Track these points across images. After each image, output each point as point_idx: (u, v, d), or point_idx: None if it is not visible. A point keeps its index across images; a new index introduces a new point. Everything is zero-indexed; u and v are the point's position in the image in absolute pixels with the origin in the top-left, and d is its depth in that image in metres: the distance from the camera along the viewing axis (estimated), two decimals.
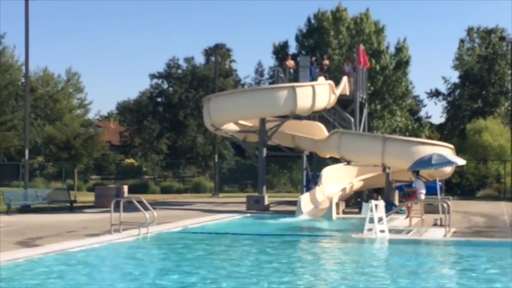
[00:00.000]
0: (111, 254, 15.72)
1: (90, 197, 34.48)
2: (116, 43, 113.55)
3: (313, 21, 55.30)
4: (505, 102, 58.34)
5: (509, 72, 48.81)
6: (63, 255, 14.78)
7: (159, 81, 63.79)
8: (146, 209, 18.64)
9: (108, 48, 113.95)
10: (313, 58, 35.57)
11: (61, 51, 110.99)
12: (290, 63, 34.98)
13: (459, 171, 40.15)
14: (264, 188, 30.16)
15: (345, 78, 33.05)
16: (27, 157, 31.65)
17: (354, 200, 30.79)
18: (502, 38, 54.36)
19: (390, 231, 18.86)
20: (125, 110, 65.05)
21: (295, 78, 34.25)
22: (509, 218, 25.39)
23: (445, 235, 18.65)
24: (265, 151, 30.12)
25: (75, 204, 29.75)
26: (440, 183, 26.24)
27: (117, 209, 18.67)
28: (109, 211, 18.70)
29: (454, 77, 63.22)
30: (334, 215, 25.01)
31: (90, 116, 73.99)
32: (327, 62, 35.78)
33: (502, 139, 48.07)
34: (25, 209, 28.55)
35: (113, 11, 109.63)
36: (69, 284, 11.59)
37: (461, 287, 11.60)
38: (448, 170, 27.91)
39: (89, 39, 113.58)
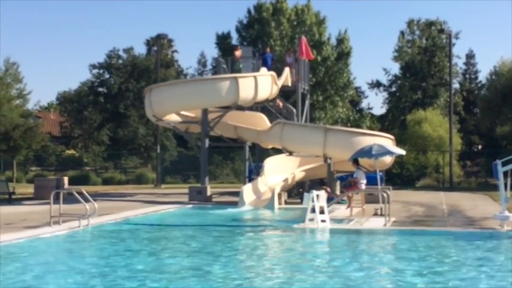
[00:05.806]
0: (49, 246, 15.45)
1: (29, 189, 33.93)
2: (56, 33, 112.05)
3: (253, 12, 55.20)
4: (444, 93, 59.31)
5: (448, 64, 49.68)
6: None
7: (100, 71, 62.90)
8: (87, 200, 18.41)
9: (48, 38, 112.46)
10: (268, 49, 35.57)
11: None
12: (239, 53, 34.67)
13: (399, 161, 40.73)
14: (207, 178, 30.09)
15: (287, 69, 33.11)
16: None
17: (296, 191, 30.95)
18: (441, 31, 55.19)
19: (331, 221, 19.04)
20: (65, 101, 64.11)
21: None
22: (448, 207, 25.86)
23: (385, 224, 18.91)
24: (207, 142, 30.06)
25: (14, 196, 29.29)
26: (381, 173, 26.61)
27: (57, 200, 18.45)
28: (49, 203, 18.42)
29: (395, 68, 64.22)
30: (276, 205, 25.18)
31: (30, 106, 72.59)
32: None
33: (441, 130, 49.01)
34: None
35: (53, 1, 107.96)
36: None
37: (400, 276, 11.74)
38: (388, 160, 28.26)
39: (29, 28, 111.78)
